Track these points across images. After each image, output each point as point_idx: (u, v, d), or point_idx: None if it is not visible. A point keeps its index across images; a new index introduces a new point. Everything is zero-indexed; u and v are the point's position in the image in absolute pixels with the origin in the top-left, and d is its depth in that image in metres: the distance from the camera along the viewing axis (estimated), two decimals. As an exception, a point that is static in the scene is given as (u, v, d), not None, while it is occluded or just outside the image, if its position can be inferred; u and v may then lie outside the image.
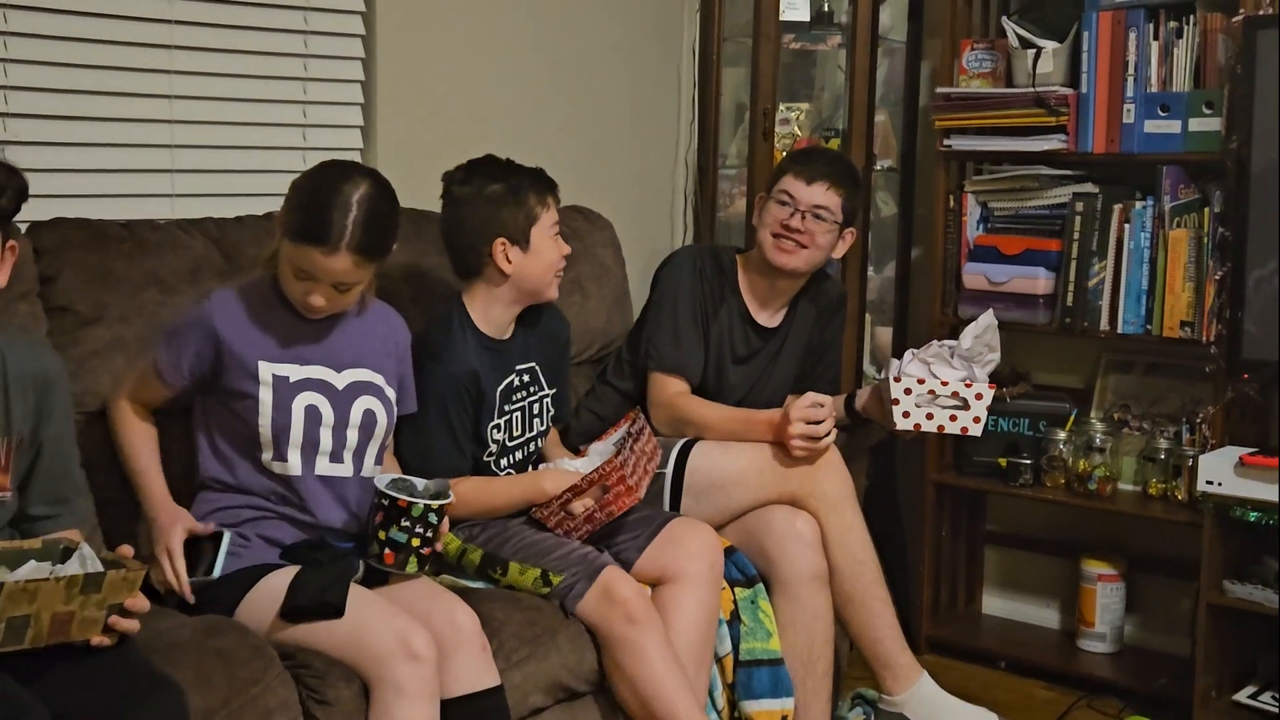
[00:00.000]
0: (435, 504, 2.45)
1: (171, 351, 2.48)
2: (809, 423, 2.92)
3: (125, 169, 2.98)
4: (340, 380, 2.56)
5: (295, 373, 2.51)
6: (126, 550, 2.08)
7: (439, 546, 2.50)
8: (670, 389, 3.09)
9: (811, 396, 2.96)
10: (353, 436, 2.56)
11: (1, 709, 1.85)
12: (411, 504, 2.44)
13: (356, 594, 2.39)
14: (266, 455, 2.50)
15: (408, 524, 2.43)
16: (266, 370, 2.49)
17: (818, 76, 4.19)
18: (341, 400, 2.55)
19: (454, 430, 2.74)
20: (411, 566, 2.46)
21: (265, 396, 2.48)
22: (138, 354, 2.56)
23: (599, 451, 2.94)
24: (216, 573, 2.41)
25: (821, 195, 3.06)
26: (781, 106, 3.92)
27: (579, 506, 2.74)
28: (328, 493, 2.54)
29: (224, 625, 2.33)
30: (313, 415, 2.51)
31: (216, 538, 2.44)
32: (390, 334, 2.68)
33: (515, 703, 2.49)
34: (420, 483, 2.52)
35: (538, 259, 2.80)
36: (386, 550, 2.45)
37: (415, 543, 2.45)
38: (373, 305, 2.67)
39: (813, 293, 3.24)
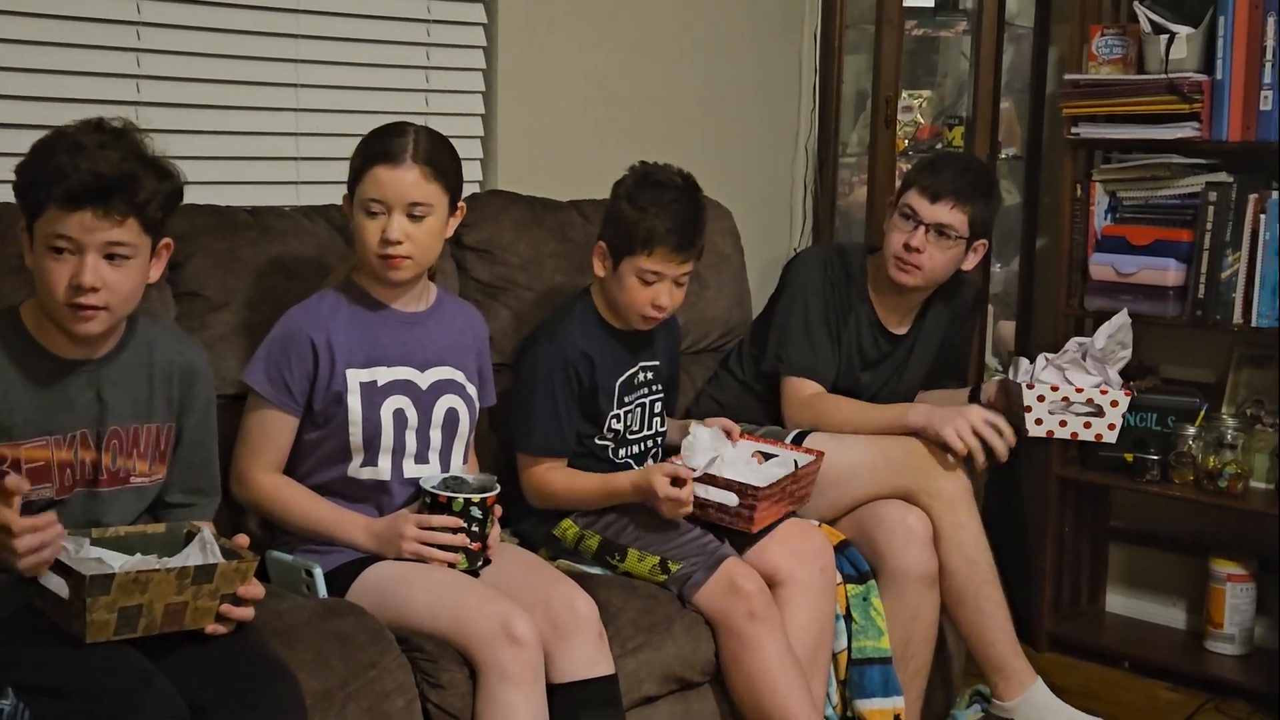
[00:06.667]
0: (476, 498, 2.43)
1: (276, 381, 2.48)
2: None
3: (252, 156, 3.03)
4: (424, 380, 2.56)
5: (382, 376, 2.52)
6: (242, 540, 2.12)
7: (492, 540, 2.47)
8: (806, 390, 3.06)
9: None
10: (436, 437, 2.57)
11: (130, 681, 1.89)
12: (451, 499, 2.42)
13: (458, 580, 2.41)
14: (355, 462, 2.51)
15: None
16: (354, 378, 2.49)
17: (941, 63, 4.13)
18: (425, 400, 2.55)
19: (558, 410, 2.72)
20: (462, 564, 2.44)
21: (354, 404, 2.49)
22: (259, 338, 2.57)
23: (764, 471, 2.80)
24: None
25: (945, 214, 2.99)
26: (904, 94, 3.87)
27: (702, 494, 2.68)
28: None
29: (343, 608, 2.35)
30: (400, 419, 2.52)
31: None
32: (468, 328, 2.68)
33: (628, 690, 2.48)
34: (471, 479, 2.52)
35: (618, 285, 2.75)
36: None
37: (462, 539, 2.43)
38: (448, 301, 2.69)
39: (947, 294, 3.17)
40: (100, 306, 2.06)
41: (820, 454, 2.86)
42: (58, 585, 1.91)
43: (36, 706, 1.87)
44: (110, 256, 2.05)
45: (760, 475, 2.77)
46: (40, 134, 2.09)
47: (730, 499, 2.67)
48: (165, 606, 1.95)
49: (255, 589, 2.06)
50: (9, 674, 1.89)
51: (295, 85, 3.06)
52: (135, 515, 2.23)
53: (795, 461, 2.82)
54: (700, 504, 2.68)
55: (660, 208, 2.71)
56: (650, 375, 2.89)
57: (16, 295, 2.22)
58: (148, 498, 2.25)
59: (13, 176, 2.08)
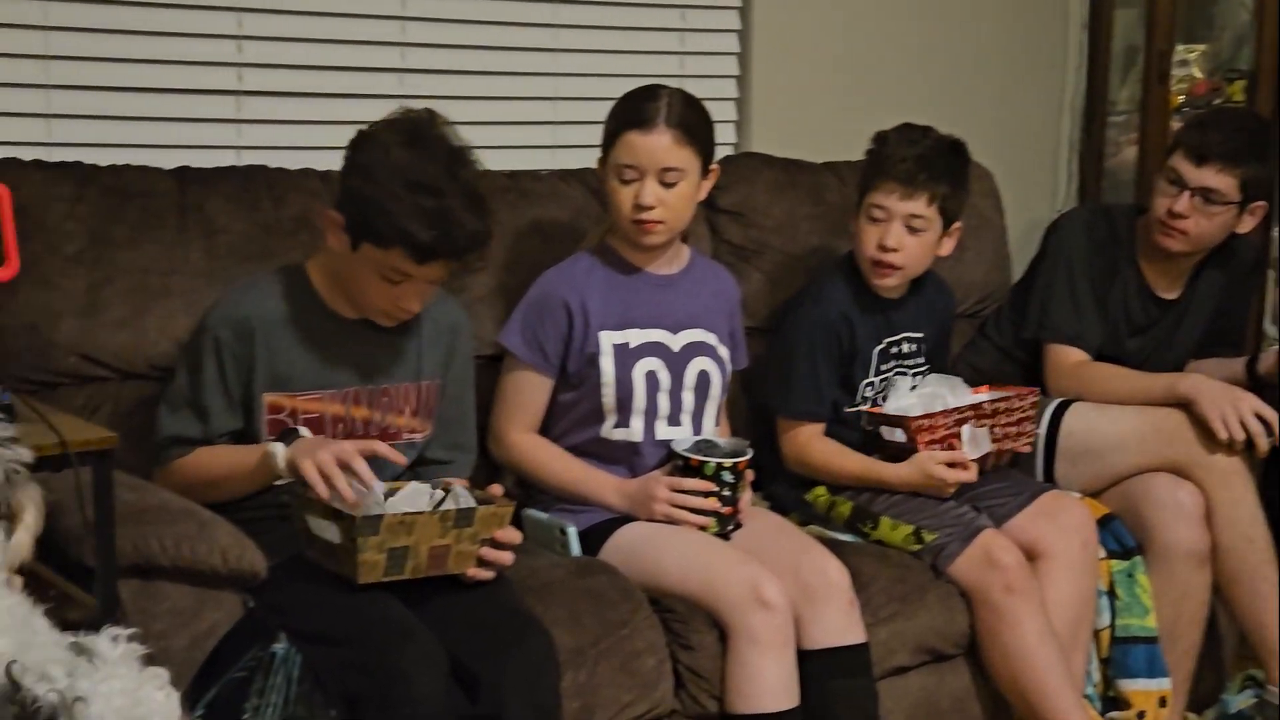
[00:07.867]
0: (728, 462, 2.41)
1: (532, 343, 2.52)
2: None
3: (511, 121, 3.09)
4: (676, 342, 2.56)
5: (635, 338, 2.53)
6: (496, 489, 2.18)
7: (743, 504, 2.46)
8: (1071, 358, 2.95)
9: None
10: (688, 399, 2.57)
11: (394, 629, 1.96)
12: (703, 463, 2.41)
13: (709, 542, 2.41)
14: (608, 424, 2.53)
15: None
16: (607, 340, 2.51)
17: (1218, 15, 3.95)
18: (677, 362, 2.55)
19: (818, 374, 2.70)
20: (712, 527, 2.43)
21: (607, 366, 2.50)
22: (516, 300, 2.61)
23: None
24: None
25: (1212, 178, 2.83)
26: (1178, 48, 3.70)
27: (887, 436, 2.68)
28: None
29: (596, 566, 2.39)
30: (652, 381, 2.53)
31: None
32: (720, 290, 2.68)
33: (879, 659, 2.46)
34: (723, 442, 2.50)
35: (857, 233, 2.71)
36: None
37: (713, 502, 2.42)
38: (701, 263, 2.68)
39: (1222, 257, 3.02)
40: (409, 319, 2.22)
41: (1029, 390, 2.79)
42: (330, 532, 1.99)
43: (306, 652, 1.96)
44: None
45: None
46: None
47: (899, 435, 2.63)
48: (430, 549, 2.02)
49: (513, 534, 2.11)
50: (281, 619, 1.98)
51: (552, 50, 3.10)
52: (402, 469, 2.30)
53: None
54: (881, 444, 2.67)
55: (901, 142, 2.67)
56: (913, 347, 2.83)
57: (288, 256, 2.31)
58: (415, 453, 2.33)
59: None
